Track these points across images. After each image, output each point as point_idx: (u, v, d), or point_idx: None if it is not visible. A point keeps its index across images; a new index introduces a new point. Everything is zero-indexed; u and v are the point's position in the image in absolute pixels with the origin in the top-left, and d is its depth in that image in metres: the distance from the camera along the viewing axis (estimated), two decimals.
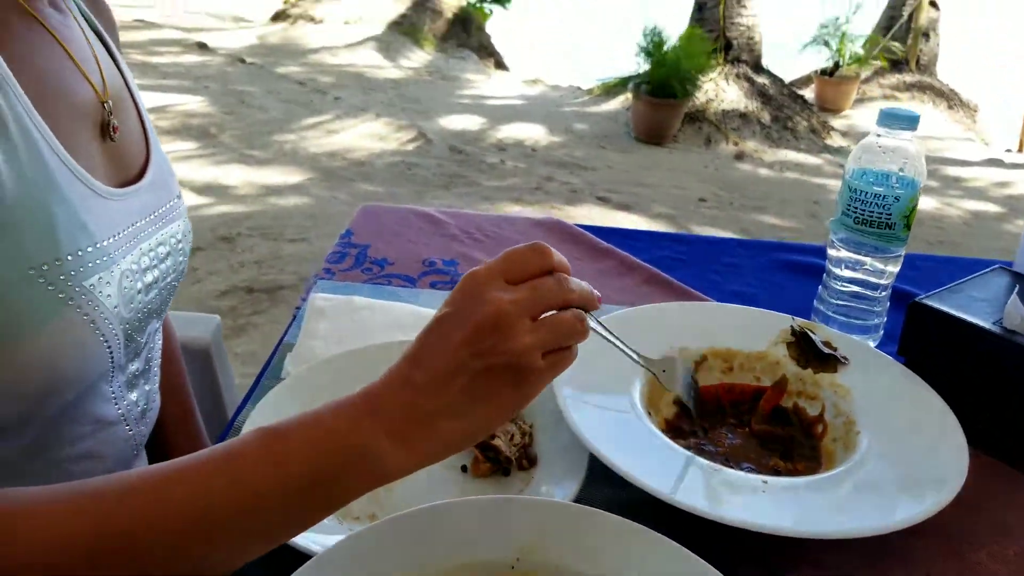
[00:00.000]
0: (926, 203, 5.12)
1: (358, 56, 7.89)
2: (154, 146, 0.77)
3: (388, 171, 4.67)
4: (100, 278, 0.62)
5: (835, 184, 5.34)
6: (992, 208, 5.22)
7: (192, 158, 4.39)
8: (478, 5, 10.21)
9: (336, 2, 9.19)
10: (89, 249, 0.61)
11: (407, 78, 7.49)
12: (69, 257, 0.59)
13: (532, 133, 5.97)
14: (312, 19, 8.64)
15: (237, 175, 4.23)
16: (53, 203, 0.58)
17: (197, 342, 1.09)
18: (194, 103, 5.48)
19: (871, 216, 0.95)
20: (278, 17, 8.96)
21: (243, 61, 6.94)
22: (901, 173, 0.96)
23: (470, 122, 6.07)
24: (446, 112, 6.29)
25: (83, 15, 0.76)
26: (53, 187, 0.58)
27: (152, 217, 0.72)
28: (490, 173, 4.89)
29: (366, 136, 5.27)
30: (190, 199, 3.84)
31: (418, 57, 8.36)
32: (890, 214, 0.95)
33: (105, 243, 0.63)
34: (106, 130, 0.68)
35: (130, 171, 0.72)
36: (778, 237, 4.13)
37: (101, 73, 0.70)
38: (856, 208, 0.96)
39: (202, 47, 7.35)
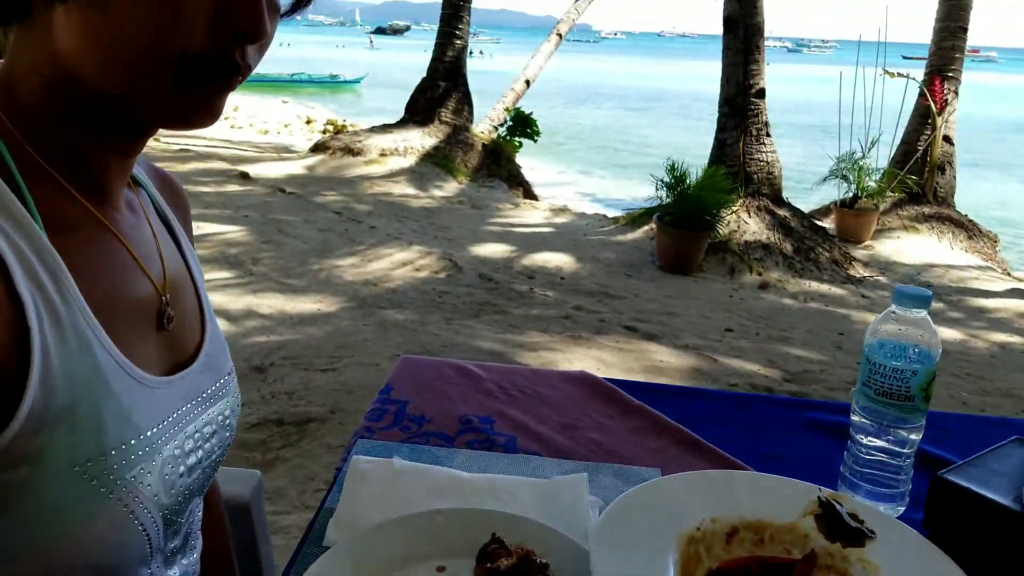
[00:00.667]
0: (951, 335, 5.12)
1: (393, 186, 8.25)
2: (209, 324, 0.79)
3: (419, 299, 4.80)
4: (142, 468, 0.62)
5: (859, 315, 5.37)
6: (1018, 339, 5.19)
7: (229, 286, 4.56)
8: (508, 138, 10.70)
9: (374, 135, 9.71)
10: (133, 441, 0.61)
11: (439, 207, 7.79)
12: (113, 452, 0.59)
13: (560, 261, 6.13)
14: (351, 151, 9.11)
15: (272, 304, 4.37)
16: (101, 399, 0.59)
17: (237, 498, 1.11)
18: (234, 232, 5.74)
19: (891, 389, 1.00)
20: (318, 148, 9.46)
21: (283, 191, 7.29)
22: (917, 348, 1.01)
23: (500, 250, 6.27)
24: (476, 240, 6.51)
25: (154, 204, 0.80)
26: (102, 384, 0.59)
27: (200, 399, 0.74)
28: (519, 301, 5.00)
29: (399, 264, 5.45)
30: (226, 328, 3.97)
31: (450, 187, 8.72)
32: (909, 387, 0.99)
33: (150, 433, 0.64)
34: (161, 319, 0.71)
35: (184, 354, 0.74)
36: (804, 370, 4.13)
37: (163, 264, 0.73)
38: (875, 381, 1.01)
39: (244, 177, 7.75)
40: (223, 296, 4.33)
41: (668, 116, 29.31)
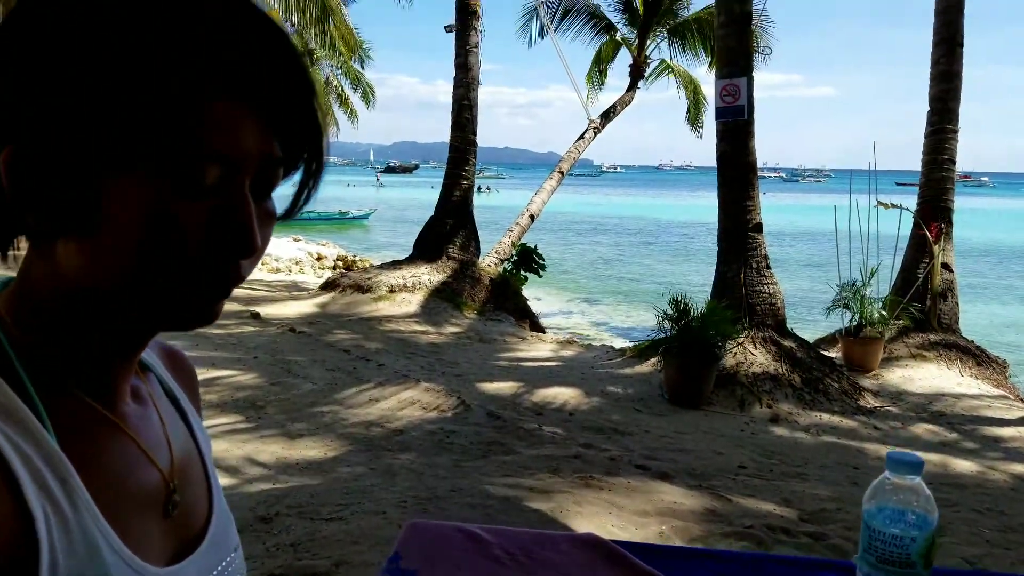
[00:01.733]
0: (967, 467, 5.02)
1: (402, 322, 8.37)
2: (216, 499, 0.80)
3: (427, 440, 4.77)
4: None
5: (872, 447, 5.30)
6: None
7: (236, 432, 4.56)
8: (514, 272, 10.94)
9: (383, 271, 9.95)
10: None
11: (448, 342, 7.86)
12: None
13: (568, 396, 6.12)
14: (360, 288, 9.32)
15: (278, 450, 4.36)
16: None
17: None
18: (242, 375, 5.79)
19: (891, 556, 1.01)
20: (328, 286, 9.68)
21: (293, 330, 7.41)
22: (915, 513, 1.02)
23: (508, 386, 6.27)
24: (484, 375, 6.53)
25: (163, 385, 0.83)
26: None
27: None
28: (528, 440, 4.96)
29: (406, 403, 5.45)
30: (229, 480, 3.94)
31: (458, 321, 8.84)
32: (908, 554, 1.00)
33: None
34: (168, 506, 0.71)
35: (189, 534, 0.75)
36: (821, 508, 4.04)
37: (171, 449, 0.75)
38: (876, 548, 1.02)
39: (255, 317, 7.90)
40: (228, 443, 4.32)
41: (670, 246, 29.94)
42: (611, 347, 8.36)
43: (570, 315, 15.95)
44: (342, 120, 24.51)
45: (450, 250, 10.19)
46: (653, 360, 6.96)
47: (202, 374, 5.60)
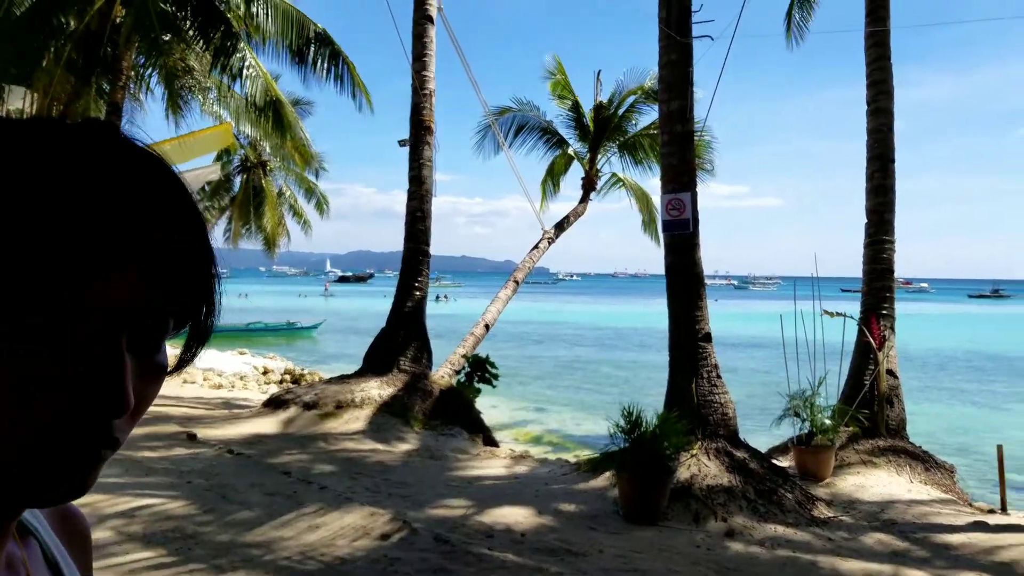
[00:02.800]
0: (916, 575, 4.93)
1: (349, 440, 8.09)
2: None
3: (369, 569, 4.50)
4: None
5: (827, 560, 5.18)
6: None
7: (157, 568, 4.24)
8: (467, 384, 10.79)
9: (331, 386, 9.70)
10: None
11: (396, 461, 7.60)
12: None
13: (520, 516, 5.90)
14: (305, 404, 9.04)
15: None
16: None
17: None
18: (172, 502, 5.46)
19: None
20: (272, 404, 9.38)
21: (232, 452, 7.09)
22: None
23: (457, 506, 6.03)
24: (433, 496, 6.28)
25: (44, 552, 0.74)
26: None
27: None
28: (477, 566, 4.71)
29: (348, 529, 5.18)
30: None
31: (408, 437, 8.59)
32: None
33: None
34: None
35: None
36: None
37: None
38: None
39: (192, 438, 7.55)
40: None
41: (626, 353, 30.11)
42: (566, 461, 8.17)
43: (526, 425, 15.74)
44: (295, 230, 24.60)
45: (401, 362, 10.03)
46: (607, 474, 6.80)
47: (126, 503, 5.28)
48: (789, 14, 11.85)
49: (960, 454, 12.15)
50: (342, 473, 6.77)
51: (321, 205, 23.74)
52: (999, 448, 8.55)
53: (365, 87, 11.24)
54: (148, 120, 11.82)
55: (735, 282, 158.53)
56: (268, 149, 14.82)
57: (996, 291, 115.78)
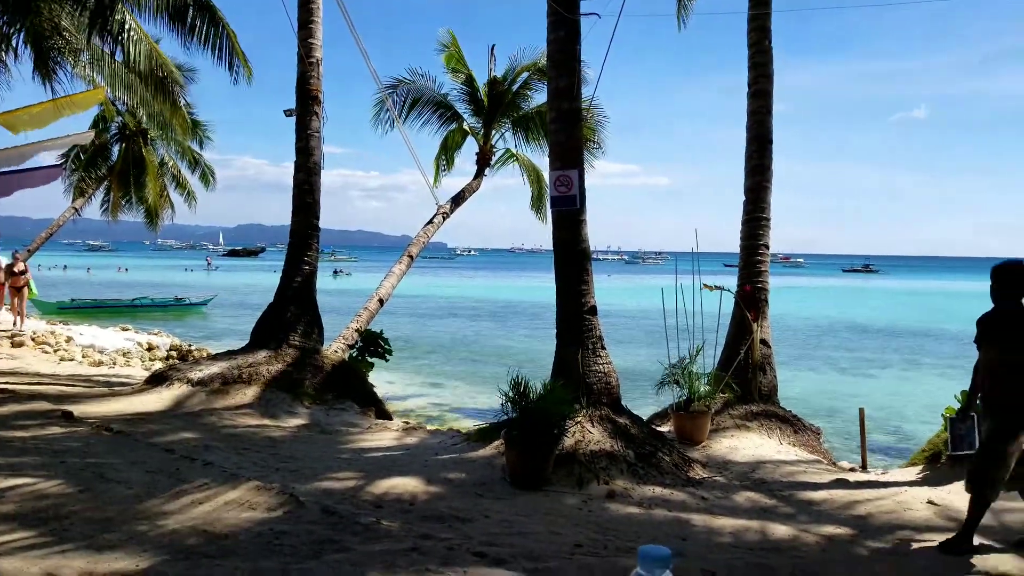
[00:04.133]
0: (783, 531, 5.34)
1: (237, 416, 7.94)
2: None
3: (253, 543, 4.49)
4: None
5: (699, 518, 5.54)
6: (844, 531, 5.48)
7: (32, 548, 4.10)
8: (359, 358, 10.74)
9: (217, 362, 9.46)
10: None
11: (285, 436, 7.53)
12: None
13: (409, 485, 5.98)
14: (190, 381, 8.79)
15: (82, 564, 3.94)
16: None
17: None
18: (45, 482, 5.25)
19: None
20: (155, 380, 9.06)
21: (110, 430, 6.84)
22: None
23: (346, 478, 6.06)
24: (322, 470, 6.28)
25: None
26: None
27: None
28: (364, 535, 4.77)
29: (233, 505, 5.12)
30: None
31: (298, 412, 8.51)
32: None
33: None
34: None
35: None
36: None
37: None
38: None
39: (68, 417, 7.23)
40: (21, 560, 3.87)
41: (521, 326, 30.56)
42: (457, 431, 8.31)
43: (421, 398, 15.82)
44: (179, 202, 23.56)
45: (291, 338, 9.88)
46: (496, 443, 6.97)
47: None
48: None
49: (827, 417, 13.10)
50: (228, 449, 6.66)
51: (207, 176, 22.83)
52: (861, 411, 9.30)
53: (244, 55, 10.86)
54: (16, 84, 10.98)
55: (626, 257, 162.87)
56: (145, 117, 14.10)
57: (867, 266, 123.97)
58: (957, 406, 7.09)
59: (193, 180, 23.45)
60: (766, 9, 10.03)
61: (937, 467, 7.15)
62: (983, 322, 4.96)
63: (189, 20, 10.82)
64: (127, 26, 9.80)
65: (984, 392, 4.95)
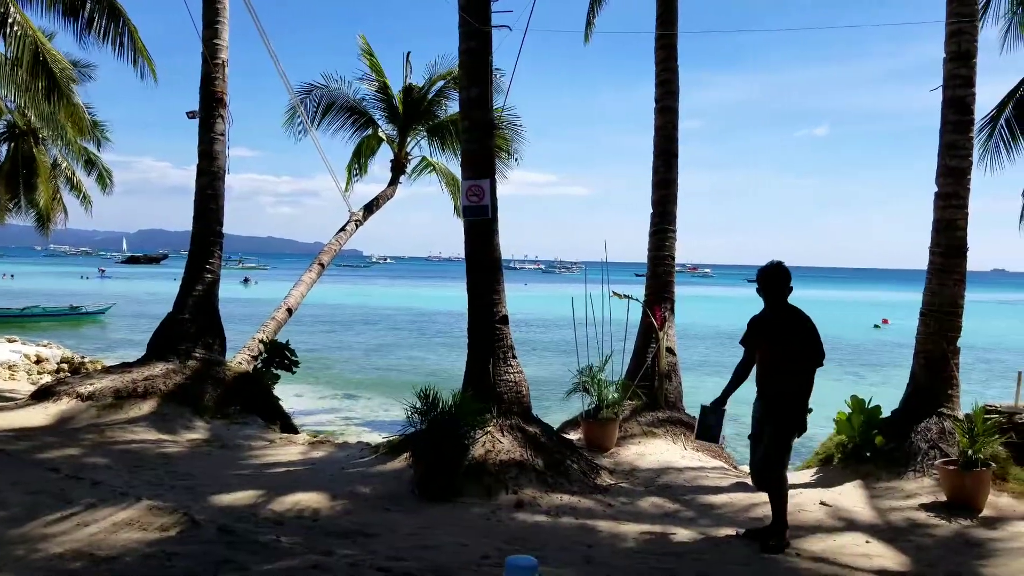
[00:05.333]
0: (685, 535, 5.47)
1: (130, 432, 7.57)
2: None
3: (143, 566, 4.26)
4: None
5: (605, 524, 5.59)
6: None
7: None
8: (264, 370, 10.43)
9: (110, 375, 8.99)
10: None
11: (183, 452, 7.22)
12: None
13: (313, 501, 5.83)
14: (80, 395, 8.32)
15: None
16: None
17: None
18: None
19: None
20: (41, 395, 8.54)
21: None
22: None
23: (246, 496, 5.85)
24: (221, 487, 6.04)
25: None
26: None
27: None
28: (263, 554, 4.61)
29: (122, 525, 4.86)
30: None
31: (198, 427, 8.18)
32: None
33: None
34: None
35: None
36: None
37: None
38: None
39: None
40: None
41: (436, 336, 30.42)
42: (366, 445, 8.15)
43: (331, 411, 15.50)
44: (74, 206, 22.35)
45: (191, 349, 9.48)
46: (405, 455, 6.86)
47: None
48: (590, 11, 12.40)
49: (730, 423, 13.47)
50: (120, 467, 6.33)
51: (104, 179, 21.71)
52: None
53: (147, 53, 10.42)
54: None
55: (543, 266, 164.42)
56: (35, 116, 13.31)
57: None
58: (848, 411, 7.42)
59: (89, 182, 22.24)
60: (672, 30, 10.31)
61: (829, 469, 7.44)
62: (753, 323, 5.32)
63: (87, 14, 10.31)
64: (10, 20, 9.23)
65: (758, 390, 5.31)
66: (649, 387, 9.26)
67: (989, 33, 9.88)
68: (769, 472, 5.24)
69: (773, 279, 5.24)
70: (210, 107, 10.07)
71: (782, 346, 5.18)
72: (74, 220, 23.37)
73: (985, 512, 6.13)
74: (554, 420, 9.21)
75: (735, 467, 8.61)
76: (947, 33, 7.57)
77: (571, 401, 9.11)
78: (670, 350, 9.77)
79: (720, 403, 5.58)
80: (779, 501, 5.24)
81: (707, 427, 5.71)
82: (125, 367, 9.28)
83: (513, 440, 6.80)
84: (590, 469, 6.91)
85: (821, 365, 5.23)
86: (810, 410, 5.27)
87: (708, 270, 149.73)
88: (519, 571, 1.09)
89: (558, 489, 6.38)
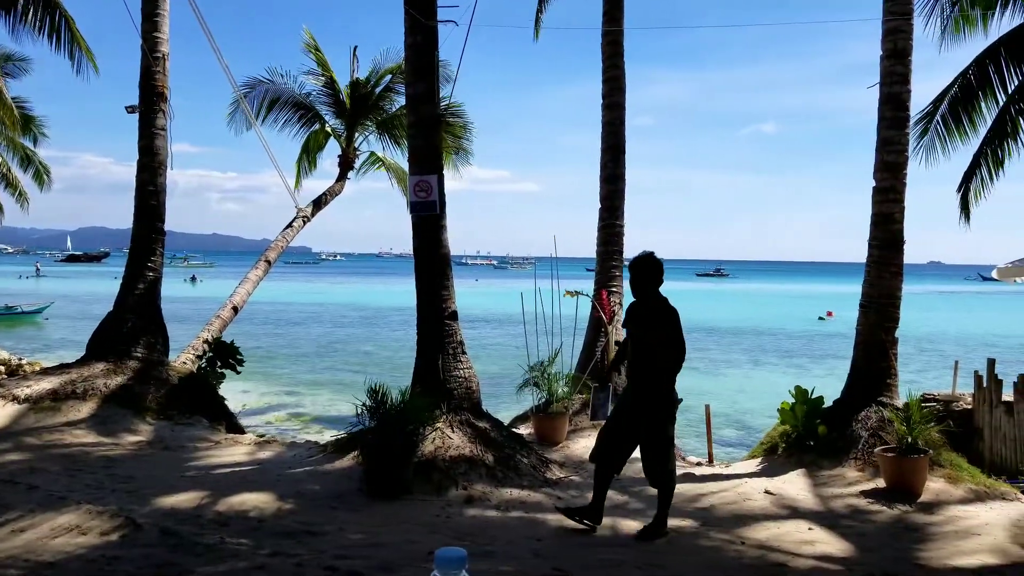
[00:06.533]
0: (633, 526, 5.54)
1: (68, 435, 7.36)
2: None
3: (83, 571, 4.16)
4: None
5: (554, 518, 5.64)
6: (689, 523, 5.77)
7: None
8: (209, 369, 10.23)
9: (47, 377, 8.73)
10: None
11: (124, 454, 7.05)
12: None
13: (259, 501, 5.75)
14: (16, 398, 8.06)
15: None
16: None
17: None
18: None
19: None
20: None
21: None
22: None
23: (190, 498, 5.73)
24: (164, 490, 5.91)
25: None
26: None
27: None
28: (207, 556, 4.53)
29: (61, 531, 4.73)
30: None
31: (140, 429, 8.00)
32: None
33: None
34: None
35: None
36: None
37: None
38: None
39: None
40: None
41: (387, 332, 30.21)
42: (314, 444, 8.06)
43: (280, 410, 15.28)
44: (9, 203, 21.58)
45: (133, 349, 9.24)
46: (354, 453, 6.81)
47: None
48: (539, 8, 12.41)
49: (678, 414, 13.67)
50: (58, 471, 6.15)
51: (41, 175, 21.01)
52: (707, 408, 9.79)
53: (86, 44, 10.12)
54: None
55: (495, 262, 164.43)
56: None
57: (718, 270, 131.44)
58: (792, 401, 7.61)
59: (25, 180, 21.51)
60: (619, 26, 10.42)
61: (774, 459, 7.62)
62: (628, 311, 5.44)
63: (20, 5, 9.96)
64: None
65: (629, 376, 5.41)
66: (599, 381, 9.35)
67: (933, 32, 10.13)
68: (660, 468, 5.23)
69: (636, 269, 5.25)
70: (151, 101, 9.82)
71: (645, 338, 5.19)
72: (12, 218, 22.56)
73: (923, 497, 6.33)
74: (505, 416, 9.26)
75: (683, 458, 8.75)
76: (884, 31, 7.77)
77: (522, 396, 9.16)
78: (619, 343, 9.86)
79: (606, 382, 5.68)
80: (667, 496, 5.30)
81: (597, 407, 5.79)
82: (64, 368, 9.01)
83: (463, 436, 6.81)
84: (540, 463, 6.96)
85: (680, 362, 5.16)
86: (680, 399, 5.29)
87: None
88: (448, 563, 1.09)
89: (508, 484, 6.41)
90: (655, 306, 5.20)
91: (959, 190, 10.85)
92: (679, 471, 7.49)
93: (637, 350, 5.27)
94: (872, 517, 6.05)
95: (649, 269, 5.21)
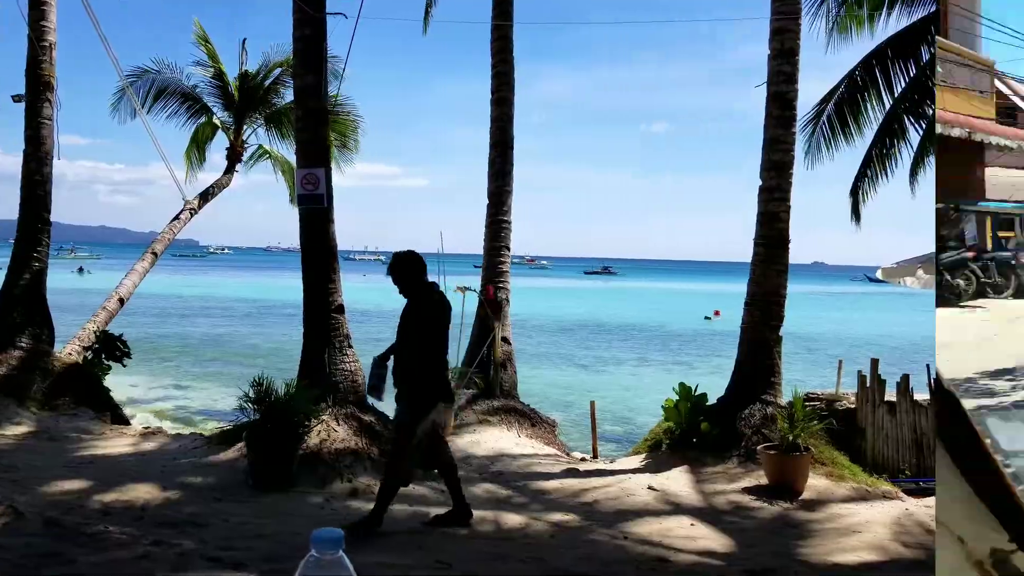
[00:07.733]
0: (516, 520, 5.70)
1: None
2: None
3: None
4: None
5: (437, 511, 5.84)
6: (572, 517, 5.93)
7: None
8: (96, 361, 10.07)
9: None
10: None
11: (6, 445, 6.95)
12: None
13: (143, 492, 5.81)
14: None
15: None
16: None
17: None
18: None
19: None
20: None
21: None
22: None
23: (74, 488, 5.77)
24: (48, 479, 5.91)
25: None
26: None
27: None
28: (90, 546, 4.64)
29: None
30: None
31: (23, 419, 7.87)
32: None
33: None
34: None
35: None
36: None
37: None
38: None
39: None
40: None
41: (275, 326, 29.67)
42: (199, 435, 8.13)
43: (167, 401, 15.04)
44: None
45: (16, 339, 9.05)
46: (239, 445, 6.90)
47: None
48: (428, 3, 12.38)
49: (564, 411, 14.13)
50: None
51: None
52: (592, 404, 10.23)
53: None
54: None
55: (383, 258, 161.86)
56: None
57: (606, 268, 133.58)
58: (676, 398, 7.69)
59: None
60: (508, 21, 10.46)
61: (658, 455, 7.70)
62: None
63: None
64: None
65: (395, 373, 5.36)
66: (485, 376, 9.73)
67: (819, 34, 10.14)
68: (389, 459, 5.36)
69: (394, 267, 5.39)
70: (37, 91, 9.60)
71: (401, 330, 5.35)
72: None
73: (805, 495, 6.40)
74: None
75: (567, 454, 9.11)
76: (771, 31, 7.90)
77: None
78: (505, 339, 10.26)
79: (383, 359, 5.51)
80: (384, 491, 5.32)
81: (373, 386, 5.58)
82: None
83: (349, 429, 7.03)
84: None
85: (421, 359, 5.25)
86: (435, 404, 5.30)
87: (545, 262, 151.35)
88: (324, 543, 1.23)
89: None
90: (410, 301, 5.35)
91: (852, 192, 11.07)
92: (562, 466, 7.77)
93: (402, 346, 5.35)
94: (754, 514, 6.10)
95: (403, 265, 5.34)
